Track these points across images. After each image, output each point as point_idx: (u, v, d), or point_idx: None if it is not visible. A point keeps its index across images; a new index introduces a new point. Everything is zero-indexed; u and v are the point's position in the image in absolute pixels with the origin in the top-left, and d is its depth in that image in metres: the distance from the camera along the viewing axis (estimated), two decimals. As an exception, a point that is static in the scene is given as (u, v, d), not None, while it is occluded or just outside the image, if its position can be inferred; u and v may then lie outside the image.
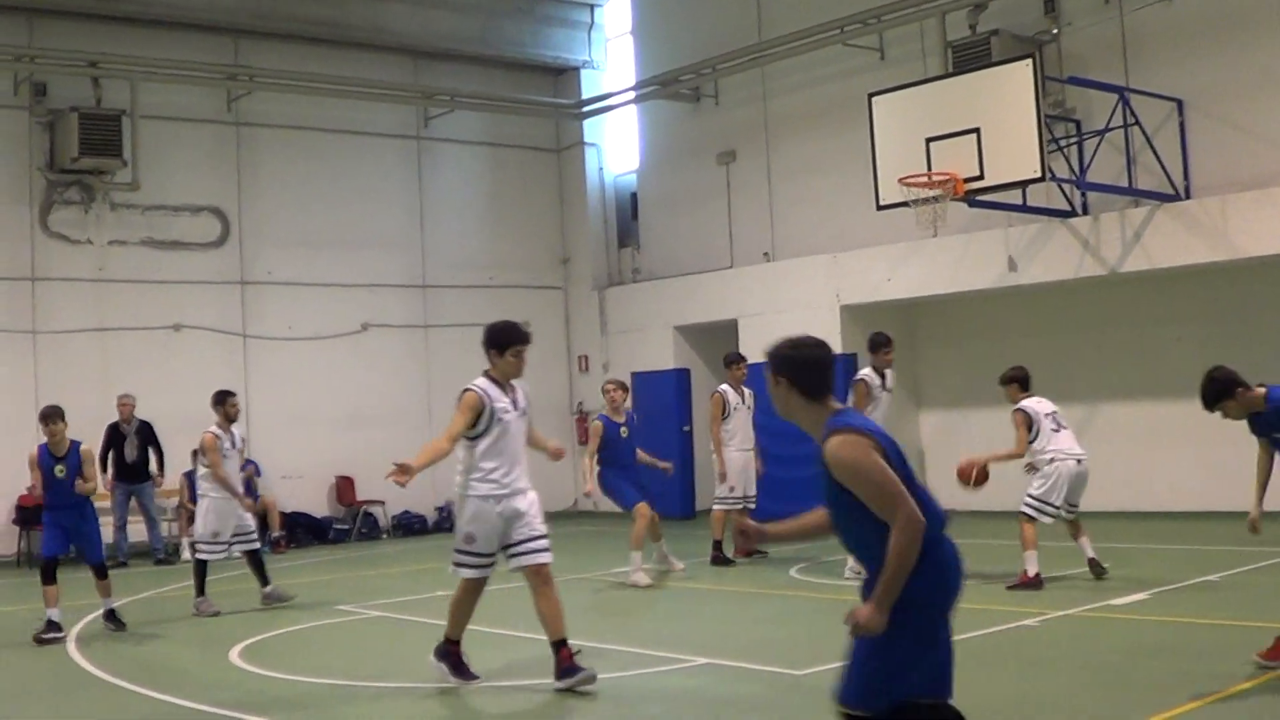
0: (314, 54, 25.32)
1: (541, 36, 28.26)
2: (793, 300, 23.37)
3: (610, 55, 28.89)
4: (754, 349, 23.15)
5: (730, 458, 17.71)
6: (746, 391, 18.01)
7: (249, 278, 24.78)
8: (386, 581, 16.44)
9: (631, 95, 27.09)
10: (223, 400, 15.61)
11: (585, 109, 27.85)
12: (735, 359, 18.34)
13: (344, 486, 24.84)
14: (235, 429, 15.51)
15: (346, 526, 24.42)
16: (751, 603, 14.71)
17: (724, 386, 18.06)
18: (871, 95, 19.92)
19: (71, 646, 12.98)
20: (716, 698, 9.44)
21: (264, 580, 15.43)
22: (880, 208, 19.63)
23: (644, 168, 27.96)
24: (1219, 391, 9.36)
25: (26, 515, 21.16)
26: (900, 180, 18.80)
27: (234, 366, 24.16)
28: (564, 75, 28.79)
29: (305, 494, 24.43)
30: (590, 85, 28.42)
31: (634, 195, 28.29)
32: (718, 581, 16.14)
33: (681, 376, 25.55)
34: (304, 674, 11.02)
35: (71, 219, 23.27)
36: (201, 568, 15.10)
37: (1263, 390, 9.32)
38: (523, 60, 28.12)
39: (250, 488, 22.86)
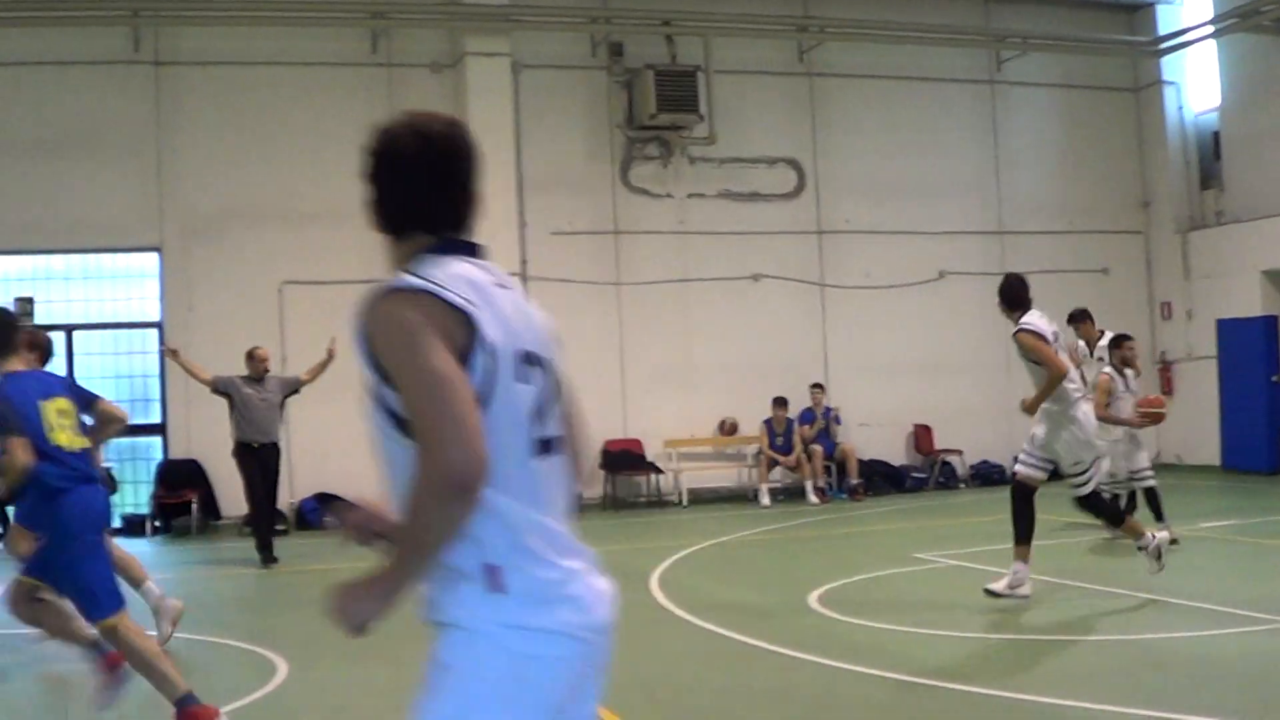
0: (883, 1, 25.30)
1: (1115, -28, 27.45)
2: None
3: (1188, -12, 27.82)
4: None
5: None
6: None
7: (826, 227, 25.11)
8: (963, 530, 16.48)
9: (1210, 30, 25.93)
10: (1119, 344, 15.81)
11: (1162, 46, 26.78)
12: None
13: (921, 435, 24.88)
14: (1128, 371, 15.68)
15: (924, 475, 24.40)
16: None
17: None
18: None
19: (654, 583, 13.61)
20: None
21: (1159, 515, 15.29)
22: None
23: (1226, 105, 26.64)
24: None
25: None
26: None
27: (811, 315, 24.57)
28: (1139, 12, 27.77)
29: (882, 442, 24.57)
30: (1167, 21, 27.30)
31: (1216, 134, 27.09)
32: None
33: (1269, 324, 24.35)
34: (880, 620, 11.21)
35: (651, 174, 24.18)
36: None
37: None
38: (1096, -2, 27.38)
39: (826, 435, 23.37)
